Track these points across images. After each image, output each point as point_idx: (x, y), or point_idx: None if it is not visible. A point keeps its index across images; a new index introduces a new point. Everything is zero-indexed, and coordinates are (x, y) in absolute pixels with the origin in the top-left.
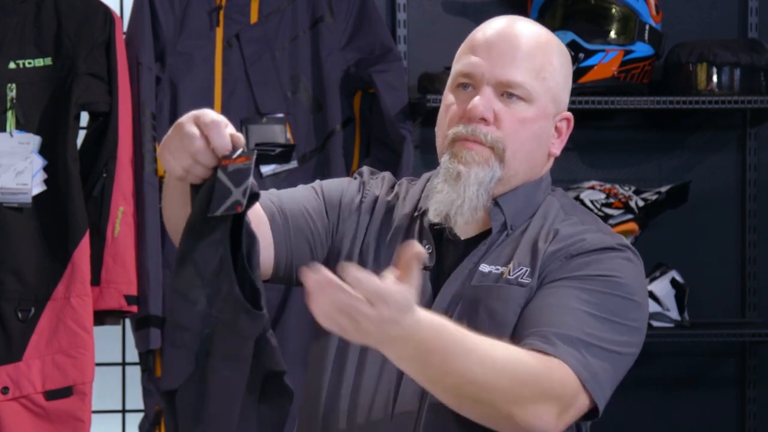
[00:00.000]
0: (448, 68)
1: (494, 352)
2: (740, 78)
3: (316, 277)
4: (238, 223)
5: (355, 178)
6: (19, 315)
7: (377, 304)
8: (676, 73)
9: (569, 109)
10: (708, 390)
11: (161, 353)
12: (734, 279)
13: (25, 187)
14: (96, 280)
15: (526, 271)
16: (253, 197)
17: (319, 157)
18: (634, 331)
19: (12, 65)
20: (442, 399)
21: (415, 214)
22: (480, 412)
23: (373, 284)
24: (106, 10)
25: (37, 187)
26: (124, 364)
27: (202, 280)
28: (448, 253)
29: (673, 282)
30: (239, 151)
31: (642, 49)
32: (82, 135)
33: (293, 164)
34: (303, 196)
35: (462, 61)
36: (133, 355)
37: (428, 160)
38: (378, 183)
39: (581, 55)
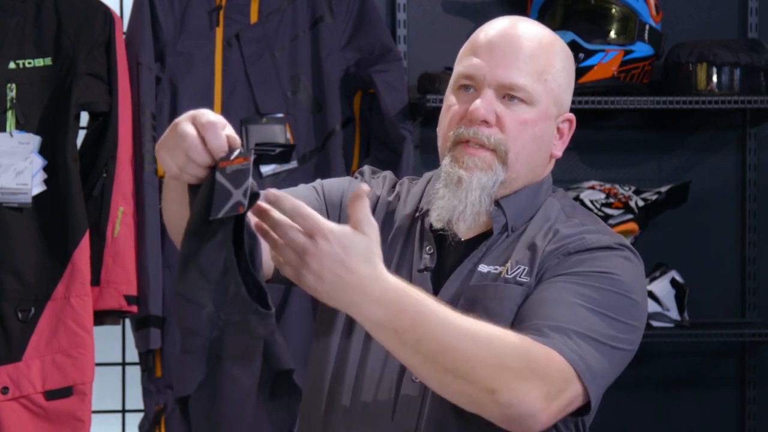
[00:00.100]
0: (448, 68)
1: (473, 324)
2: (740, 78)
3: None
4: (238, 223)
5: (357, 178)
6: (19, 315)
7: (315, 237)
8: (676, 73)
9: (570, 109)
10: (708, 390)
11: (161, 353)
12: (734, 279)
13: (25, 187)
14: (96, 280)
15: (524, 269)
16: (254, 197)
17: (319, 157)
18: (631, 328)
19: (12, 65)
20: (422, 377)
21: (416, 214)
22: (462, 391)
23: (309, 215)
24: (106, 10)
25: (37, 187)
26: (124, 364)
27: (208, 283)
28: (449, 254)
29: (673, 282)
30: (237, 152)
31: (642, 49)
32: (82, 135)
33: (293, 164)
34: (303, 195)
35: (464, 63)
36: (133, 355)
37: (428, 160)
38: (379, 183)
39: (581, 55)
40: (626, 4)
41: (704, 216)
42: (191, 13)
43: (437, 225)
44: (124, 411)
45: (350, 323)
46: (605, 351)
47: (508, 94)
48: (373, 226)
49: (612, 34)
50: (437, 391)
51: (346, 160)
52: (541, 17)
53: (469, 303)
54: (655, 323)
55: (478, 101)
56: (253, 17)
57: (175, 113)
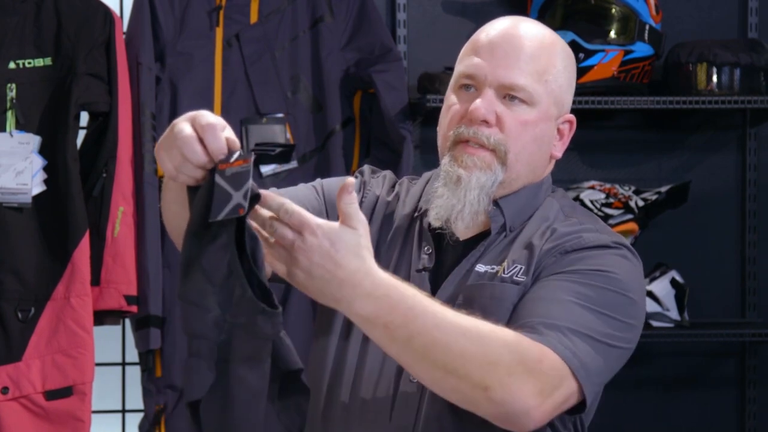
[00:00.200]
0: (448, 68)
1: (465, 320)
2: (740, 78)
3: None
4: (240, 225)
5: (356, 177)
6: (19, 315)
7: (303, 232)
8: (676, 73)
9: (570, 110)
10: (708, 390)
11: (161, 353)
12: (734, 279)
13: (25, 187)
14: (96, 280)
15: (521, 269)
16: (255, 199)
17: (319, 157)
18: (628, 327)
19: (12, 65)
20: (415, 373)
21: (415, 214)
22: (455, 388)
23: (295, 211)
24: (106, 10)
25: (37, 187)
26: (124, 364)
27: (213, 285)
28: (447, 254)
29: (673, 282)
30: (237, 154)
31: (642, 49)
32: (82, 135)
33: (293, 164)
34: (303, 195)
35: (465, 62)
36: (132, 355)
37: (428, 160)
38: (379, 182)
39: (581, 55)
40: (626, 4)
41: (704, 216)
42: (191, 13)
43: (435, 224)
44: (124, 411)
45: (348, 324)
46: (601, 349)
47: (508, 95)
48: (361, 221)
49: (612, 34)
50: (431, 388)
51: (346, 160)
52: (541, 17)
53: (466, 302)
54: (655, 323)
55: (478, 101)
56: (253, 17)
57: (175, 113)
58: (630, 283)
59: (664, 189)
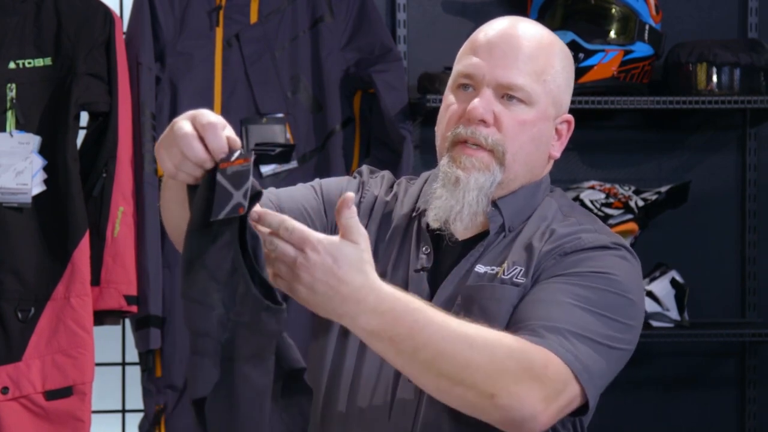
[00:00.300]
0: (448, 68)
1: (469, 329)
2: (740, 78)
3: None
4: (241, 224)
5: (355, 177)
6: (19, 315)
7: (305, 249)
8: (676, 73)
9: (569, 110)
10: (708, 390)
11: (161, 353)
12: (734, 279)
13: (25, 187)
14: (96, 280)
15: (521, 270)
16: (256, 196)
17: (319, 157)
18: (628, 328)
19: (12, 65)
20: (421, 384)
21: (414, 214)
22: (461, 396)
23: (296, 228)
24: (106, 10)
25: (37, 187)
26: (124, 364)
27: (217, 283)
28: (446, 254)
29: (673, 282)
30: (237, 153)
31: (642, 49)
32: (82, 135)
33: (293, 164)
34: (302, 195)
35: (463, 62)
36: (132, 355)
37: (428, 160)
38: (377, 182)
39: (581, 55)
40: (626, 4)
41: (704, 216)
42: (191, 13)
43: (434, 225)
44: (124, 411)
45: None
46: (602, 351)
47: (506, 94)
48: (362, 234)
49: (612, 34)
50: (437, 398)
51: (346, 160)
52: (541, 17)
53: (465, 303)
54: (655, 323)
55: (476, 101)
56: (253, 17)
57: (175, 113)
58: (629, 284)
59: (664, 189)
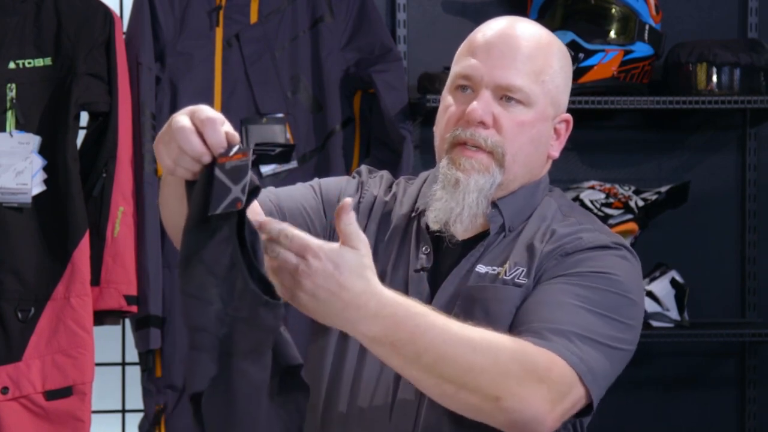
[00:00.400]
0: (448, 68)
1: (471, 332)
2: (740, 78)
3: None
4: (240, 219)
5: (354, 178)
6: (19, 315)
7: (306, 256)
8: (676, 73)
9: (569, 110)
10: (708, 390)
11: (161, 353)
12: (734, 279)
13: (25, 187)
14: (96, 280)
15: (523, 271)
16: (254, 192)
17: (319, 157)
18: (629, 328)
19: (12, 65)
20: (424, 389)
21: (413, 214)
22: (466, 400)
23: (296, 235)
24: (106, 10)
25: (37, 187)
26: (123, 364)
27: (215, 278)
28: (445, 254)
29: (673, 282)
30: (236, 148)
31: (642, 49)
32: (82, 135)
33: (293, 164)
34: (301, 194)
35: (461, 63)
36: (132, 355)
37: (428, 159)
38: (376, 182)
39: (581, 55)
40: (626, 4)
41: (704, 216)
42: (191, 13)
43: (434, 227)
44: (124, 411)
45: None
46: (606, 352)
47: (505, 95)
48: (362, 240)
49: (612, 34)
50: (441, 403)
51: (346, 160)
52: (541, 17)
53: (467, 303)
54: (655, 323)
55: (475, 103)
56: (253, 17)
57: (174, 113)
58: (630, 284)
59: (664, 189)
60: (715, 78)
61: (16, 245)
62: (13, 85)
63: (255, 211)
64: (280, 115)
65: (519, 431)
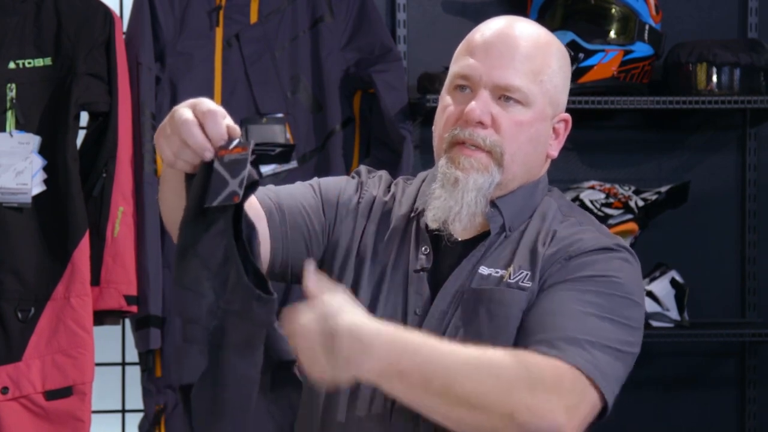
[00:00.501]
0: (448, 68)
1: (472, 352)
2: (740, 78)
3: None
4: (237, 213)
5: (354, 178)
6: (19, 315)
7: (296, 329)
8: (676, 73)
9: (569, 109)
10: (708, 390)
11: (161, 353)
12: (734, 279)
13: (24, 187)
14: (96, 280)
15: (527, 274)
16: (252, 186)
17: (319, 157)
18: (634, 330)
19: (12, 65)
20: (438, 416)
21: (412, 214)
22: (482, 422)
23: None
24: (106, 10)
25: (37, 187)
26: (123, 364)
27: (209, 271)
28: (445, 254)
29: (673, 282)
30: (236, 142)
31: (642, 49)
32: (82, 135)
33: (293, 164)
34: (301, 193)
35: (459, 63)
36: (132, 355)
37: (428, 159)
38: (375, 182)
39: (581, 55)
40: (626, 4)
41: (704, 216)
42: (191, 13)
43: (433, 225)
44: (124, 411)
45: None
46: (617, 355)
47: (503, 95)
48: (336, 288)
49: (612, 34)
50: (456, 429)
51: (346, 160)
52: (541, 17)
53: (471, 304)
54: (655, 323)
55: (473, 103)
56: (253, 17)
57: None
58: (633, 287)
59: (664, 189)
60: (715, 78)
61: (16, 245)
62: (13, 85)
63: (253, 206)
64: (280, 115)
65: None
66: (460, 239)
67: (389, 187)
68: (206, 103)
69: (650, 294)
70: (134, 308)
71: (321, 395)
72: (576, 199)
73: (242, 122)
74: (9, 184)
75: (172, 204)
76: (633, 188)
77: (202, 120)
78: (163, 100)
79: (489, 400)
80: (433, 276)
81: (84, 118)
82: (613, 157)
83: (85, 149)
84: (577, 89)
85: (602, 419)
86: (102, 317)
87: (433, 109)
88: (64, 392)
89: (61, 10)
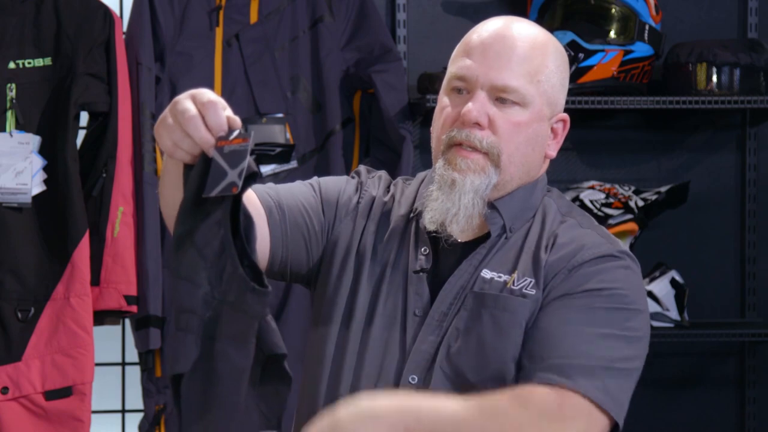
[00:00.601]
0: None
1: (471, 404)
2: (740, 78)
3: None
4: (235, 204)
5: (353, 178)
6: (19, 315)
7: None
8: (675, 73)
9: (568, 109)
10: (708, 390)
11: (161, 353)
12: (734, 279)
13: (24, 187)
14: (96, 280)
15: (531, 282)
16: (251, 177)
17: (318, 157)
18: (640, 339)
19: (12, 65)
20: None
21: (411, 215)
22: None
23: None
24: (106, 10)
25: (37, 187)
26: (123, 364)
27: (205, 261)
28: (445, 255)
29: (673, 282)
30: (236, 133)
31: (642, 49)
32: (81, 135)
33: (293, 164)
34: (301, 192)
35: (457, 64)
36: (132, 355)
37: (428, 159)
38: (375, 183)
39: (581, 55)
40: (626, 4)
41: (704, 216)
42: (191, 13)
43: (430, 227)
44: (123, 411)
45: (347, 322)
46: (626, 374)
47: (500, 96)
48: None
49: (612, 34)
50: None
51: (345, 160)
52: (541, 17)
53: (474, 309)
54: (655, 323)
55: (470, 104)
56: (253, 17)
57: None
58: (636, 296)
59: (663, 189)
60: (714, 78)
61: (15, 245)
62: (13, 85)
63: (253, 204)
64: (280, 115)
65: None
66: (460, 240)
67: (388, 187)
68: (206, 94)
69: (650, 294)
70: (134, 308)
71: (324, 379)
72: (576, 199)
73: (242, 122)
74: (9, 184)
75: (171, 198)
76: (633, 188)
77: (201, 110)
78: (163, 100)
79: None
80: (432, 277)
81: (84, 118)
82: (613, 157)
83: (85, 149)
84: (576, 89)
85: None
86: (102, 317)
87: (433, 109)
88: (64, 392)
89: (61, 10)
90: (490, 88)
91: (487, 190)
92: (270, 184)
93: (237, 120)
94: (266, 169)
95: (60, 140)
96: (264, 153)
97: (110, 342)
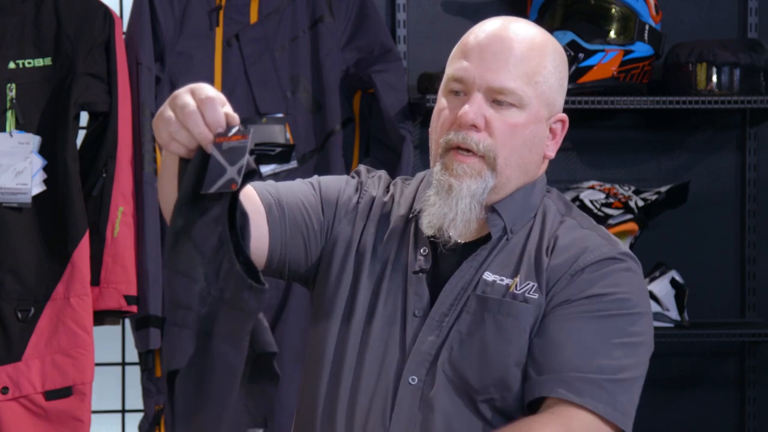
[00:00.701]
0: None
1: None
2: (740, 78)
3: None
4: (231, 201)
5: (353, 177)
6: (19, 315)
7: None
8: (675, 73)
9: (568, 109)
10: (708, 390)
11: (160, 353)
12: (734, 279)
13: (24, 187)
14: (96, 280)
15: (533, 286)
16: (250, 175)
17: (318, 157)
18: (644, 343)
19: (12, 65)
20: None
21: (410, 216)
22: None
23: None
24: (106, 10)
25: (37, 187)
26: (123, 364)
27: (202, 257)
28: (445, 255)
29: (673, 282)
30: (235, 129)
31: (642, 49)
32: (81, 135)
33: (293, 164)
34: (301, 191)
35: (454, 65)
36: (132, 355)
37: (428, 159)
38: (374, 183)
39: (581, 55)
40: (626, 4)
41: (704, 216)
42: (191, 13)
43: (428, 232)
44: (123, 411)
45: (347, 321)
46: (633, 383)
47: (497, 98)
48: None
49: (612, 34)
50: None
51: (345, 160)
52: (541, 17)
53: (476, 312)
54: (655, 323)
55: (466, 106)
56: (253, 17)
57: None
58: (639, 299)
59: (663, 189)
60: (714, 78)
61: (15, 245)
62: (13, 85)
63: (252, 201)
64: (280, 115)
65: None
66: (461, 242)
67: (388, 187)
68: (206, 89)
69: (650, 294)
70: (134, 308)
71: (324, 377)
72: (576, 199)
73: (242, 122)
74: (9, 184)
75: (170, 193)
76: (633, 188)
77: (200, 106)
78: (162, 101)
79: None
80: (432, 277)
81: (84, 118)
82: (613, 157)
83: (85, 149)
84: (576, 89)
85: None
86: (102, 317)
87: (433, 109)
88: (64, 392)
89: (61, 10)
90: (487, 89)
91: (484, 194)
92: (270, 182)
93: (235, 117)
94: (266, 169)
95: (60, 140)
96: (264, 153)
97: (110, 342)
